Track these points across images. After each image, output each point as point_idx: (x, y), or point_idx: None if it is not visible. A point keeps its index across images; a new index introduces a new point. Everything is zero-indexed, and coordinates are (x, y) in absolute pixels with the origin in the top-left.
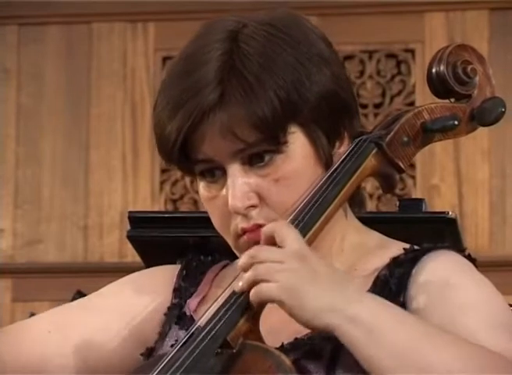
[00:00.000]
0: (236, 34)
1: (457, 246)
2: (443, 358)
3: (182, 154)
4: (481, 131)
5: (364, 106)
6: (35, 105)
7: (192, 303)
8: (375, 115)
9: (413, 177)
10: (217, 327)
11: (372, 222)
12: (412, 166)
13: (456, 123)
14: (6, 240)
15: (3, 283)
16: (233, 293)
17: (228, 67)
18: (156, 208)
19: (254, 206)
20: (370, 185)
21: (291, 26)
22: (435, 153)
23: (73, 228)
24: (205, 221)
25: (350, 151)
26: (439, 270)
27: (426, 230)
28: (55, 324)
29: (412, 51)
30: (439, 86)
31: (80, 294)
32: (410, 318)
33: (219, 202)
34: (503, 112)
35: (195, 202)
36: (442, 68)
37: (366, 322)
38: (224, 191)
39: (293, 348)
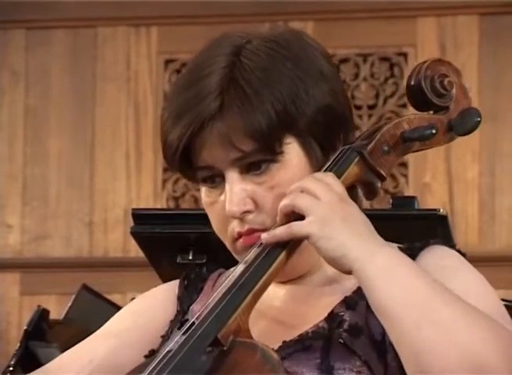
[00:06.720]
0: (239, 49)
1: (448, 242)
2: (452, 311)
3: (183, 161)
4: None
5: (359, 107)
6: (42, 106)
7: (195, 309)
8: (369, 116)
9: (405, 176)
10: (207, 326)
11: None
12: (405, 164)
13: (433, 132)
14: (15, 235)
15: (12, 277)
16: (225, 290)
17: (228, 79)
18: (158, 206)
19: (249, 211)
20: None
21: (293, 43)
22: (427, 153)
23: (79, 224)
24: (205, 218)
25: (334, 159)
26: (438, 263)
27: (418, 227)
28: (92, 354)
29: (405, 55)
30: (417, 98)
31: (86, 288)
32: (426, 274)
33: (218, 207)
34: (479, 122)
35: (196, 200)
36: (420, 81)
37: (387, 264)
38: (223, 197)
39: (282, 349)
